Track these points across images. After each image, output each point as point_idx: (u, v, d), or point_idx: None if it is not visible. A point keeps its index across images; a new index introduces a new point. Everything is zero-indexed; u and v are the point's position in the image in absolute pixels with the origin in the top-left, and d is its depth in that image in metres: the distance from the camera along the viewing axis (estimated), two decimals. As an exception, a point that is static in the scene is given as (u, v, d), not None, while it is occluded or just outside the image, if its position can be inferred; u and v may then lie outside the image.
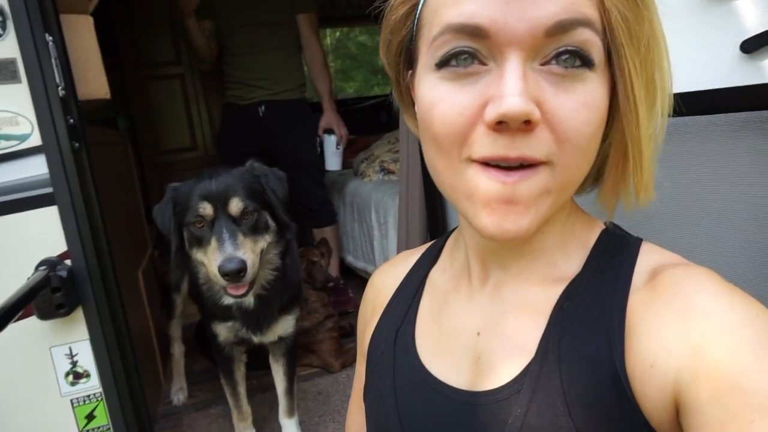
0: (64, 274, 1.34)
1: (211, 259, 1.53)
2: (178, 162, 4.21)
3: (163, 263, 2.38)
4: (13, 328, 1.23)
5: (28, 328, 1.36)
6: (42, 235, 1.36)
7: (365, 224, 3.01)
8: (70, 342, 1.41)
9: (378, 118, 4.43)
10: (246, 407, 1.97)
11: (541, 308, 0.54)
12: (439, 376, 0.58)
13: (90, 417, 1.44)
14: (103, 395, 1.44)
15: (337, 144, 3.06)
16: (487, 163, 0.46)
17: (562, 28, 0.43)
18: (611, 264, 0.53)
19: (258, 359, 2.15)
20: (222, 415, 2.23)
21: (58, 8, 1.36)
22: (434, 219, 1.86)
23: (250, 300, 1.71)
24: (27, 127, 1.32)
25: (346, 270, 3.34)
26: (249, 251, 1.53)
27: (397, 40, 0.55)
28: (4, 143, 1.31)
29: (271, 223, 1.65)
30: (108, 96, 1.68)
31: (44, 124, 1.32)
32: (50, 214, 1.36)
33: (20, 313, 1.17)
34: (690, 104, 0.94)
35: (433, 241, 0.74)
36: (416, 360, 0.61)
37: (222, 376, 1.94)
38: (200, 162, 4.16)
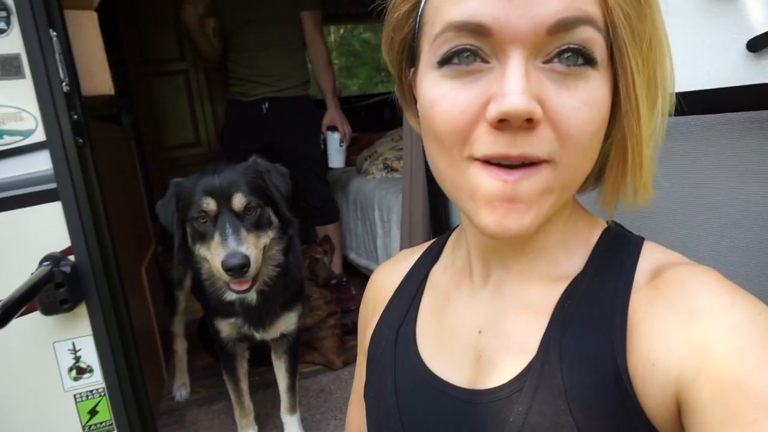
0: (67, 269, 1.35)
1: (214, 255, 1.53)
2: (181, 158, 4.22)
3: (166, 259, 2.39)
4: (17, 323, 1.24)
5: (31, 323, 1.37)
6: (46, 231, 1.36)
7: (368, 222, 3.01)
8: (73, 337, 1.41)
9: (382, 115, 4.42)
10: (248, 404, 1.98)
11: (543, 307, 0.54)
12: (440, 375, 0.58)
13: (93, 412, 1.45)
14: (105, 390, 1.44)
15: (341, 141, 3.06)
16: (488, 162, 0.46)
17: (564, 26, 0.43)
18: (613, 263, 0.53)
19: (260, 356, 2.15)
20: (224, 412, 2.23)
21: (63, 4, 1.36)
22: (437, 217, 1.86)
23: (252, 296, 1.71)
24: (31, 123, 1.33)
25: (349, 267, 3.35)
26: (252, 246, 1.54)
27: (399, 38, 0.55)
28: (8, 139, 1.32)
29: (274, 218, 1.65)
30: (112, 92, 1.68)
31: (48, 120, 1.32)
32: (54, 210, 1.36)
33: (24, 308, 1.18)
34: (696, 103, 0.94)
35: (434, 239, 0.74)
36: (417, 358, 0.61)
37: (224, 372, 1.95)
38: (204, 158, 4.16)
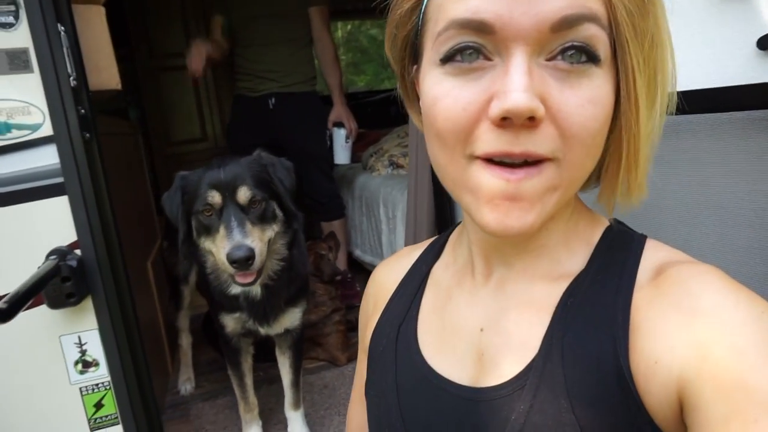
0: (74, 263, 1.35)
1: (219, 247, 1.54)
2: (188, 153, 4.23)
3: (172, 254, 2.40)
4: (23, 316, 1.25)
5: (38, 316, 1.38)
6: (52, 225, 1.37)
7: (373, 218, 3.01)
8: (79, 331, 1.42)
9: (388, 112, 4.41)
10: (252, 398, 1.98)
11: (545, 305, 0.54)
12: (442, 372, 0.58)
13: (98, 405, 1.46)
14: (111, 384, 1.45)
15: (347, 137, 3.06)
16: (491, 160, 0.46)
17: (568, 23, 0.43)
18: (615, 261, 0.53)
19: (265, 351, 2.16)
20: (228, 406, 2.24)
21: (70, -1, 1.37)
22: (442, 214, 1.85)
23: (257, 290, 1.72)
24: (39, 117, 1.33)
25: (354, 264, 3.35)
26: (257, 239, 1.54)
27: (402, 35, 0.55)
28: (16, 132, 1.33)
29: (279, 212, 1.66)
30: (119, 86, 1.69)
31: (56, 114, 1.33)
32: (61, 204, 1.37)
33: (31, 302, 1.19)
34: (705, 101, 0.93)
35: (435, 237, 0.74)
36: (418, 356, 0.61)
37: (229, 367, 1.96)
38: (210, 153, 4.17)
